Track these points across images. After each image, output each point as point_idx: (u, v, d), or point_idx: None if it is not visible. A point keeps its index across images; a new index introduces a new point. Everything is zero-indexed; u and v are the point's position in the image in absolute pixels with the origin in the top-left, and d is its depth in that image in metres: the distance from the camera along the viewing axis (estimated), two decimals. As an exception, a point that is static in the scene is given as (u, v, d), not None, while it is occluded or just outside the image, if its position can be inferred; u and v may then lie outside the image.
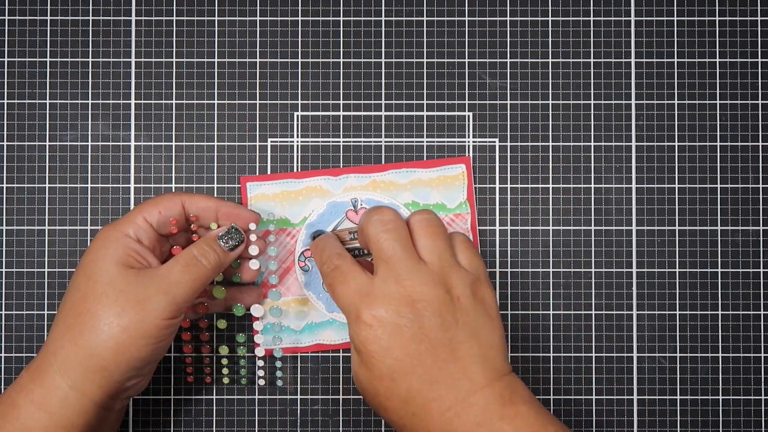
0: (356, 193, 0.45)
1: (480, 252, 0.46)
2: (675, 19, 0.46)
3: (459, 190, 0.45)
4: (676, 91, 0.46)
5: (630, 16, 0.46)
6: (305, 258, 0.45)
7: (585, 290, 0.46)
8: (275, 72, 0.46)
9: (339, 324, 0.45)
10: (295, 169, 0.46)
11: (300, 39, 0.46)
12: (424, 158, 0.46)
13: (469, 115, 0.46)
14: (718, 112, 0.46)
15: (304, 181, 0.45)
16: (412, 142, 0.46)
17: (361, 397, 0.45)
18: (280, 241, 0.45)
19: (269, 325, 0.45)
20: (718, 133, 0.46)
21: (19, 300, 0.45)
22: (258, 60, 0.46)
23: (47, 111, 0.46)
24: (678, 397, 0.45)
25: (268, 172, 0.46)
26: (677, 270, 0.46)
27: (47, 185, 0.45)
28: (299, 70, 0.46)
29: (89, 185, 0.45)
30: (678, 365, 0.46)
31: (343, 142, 0.46)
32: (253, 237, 0.41)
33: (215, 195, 0.46)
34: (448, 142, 0.46)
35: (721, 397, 0.45)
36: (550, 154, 0.46)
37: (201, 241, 0.40)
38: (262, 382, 0.45)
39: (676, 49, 0.46)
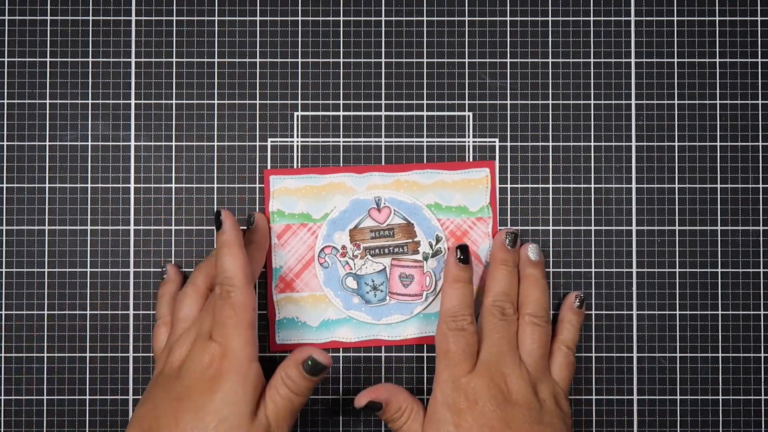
0: (380, 192, 0.45)
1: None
2: (675, 19, 0.46)
3: (482, 193, 0.45)
4: (676, 91, 0.46)
5: (630, 16, 0.46)
6: (325, 254, 0.45)
7: (585, 290, 0.46)
8: (275, 72, 0.46)
9: (356, 322, 0.45)
10: (295, 169, 0.46)
11: (300, 39, 0.46)
12: (424, 159, 0.46)
13: (469, 115, 0.46)
14: (718, 112, 0.46)
15: (328, 176, 0.45)
16: (412, 142, 0.46)
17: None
18: (301, 236, 0.45)
19: (286, 319, 0.45)
20: (718, 133, 0.46)
21: (19, 300, 0.45)
22: (258, 60, 0.46)
23: (47, 111, 0.46)
24: (678, 397, 0.45)
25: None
26: (677, 270, 0.46)
27: (47, 185, 0.45)
28: (299, 70, 0.46)
29: (89, 185, 0.45)
30: (678, 365, 0.46)
31: (343, 142, 0.46)
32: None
33: (215, 195, 0.46)
34: (448, 142, 0.46)
35: (721, 397, 0.45)
36: (550, 154, 0.46)
37: (282, 372, 0.39)
38: None
39: (676, 49, 0.46)
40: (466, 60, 0.46)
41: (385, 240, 0.45)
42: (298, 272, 0.45)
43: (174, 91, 0.46)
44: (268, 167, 0.46)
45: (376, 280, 0.45)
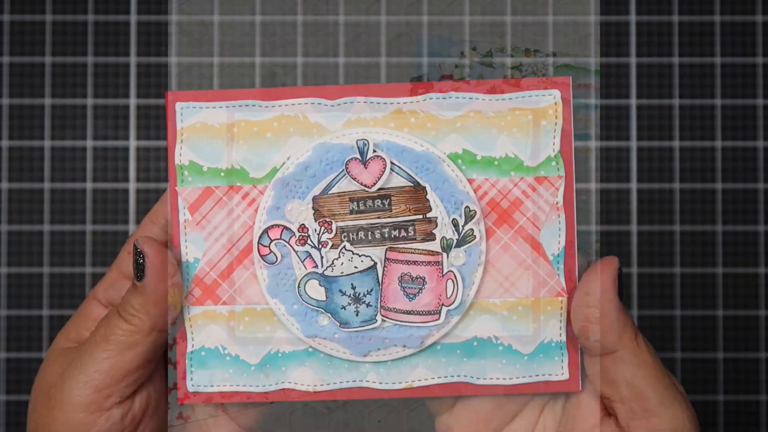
0: (367, 132, 0.27)
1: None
2: (675, 19, 0.46)
3: (546, 134, 0.28)
4: (676, 91, 0.46)
5: (630, 15, 0.46)
6: (271, 240, 0.27)
7: (585, 290, 0.46)
8: (275, 71, 0.46)
9: (323, 359, 0.28)
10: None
11: (299, 39, 0.46)
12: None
13: (469, 115, 0.46)
14: (718, 112, 0.46)
15: (278, 104, 0.27)
16: (412, 142, 0.46)
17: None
18: (230, 208, 0.28)
19: (205, 351, 0.28)
20: (719, 133, 0.46)
21: (19, 300, 0.45)
22: (257, 59, 0.46)
23: (47, 111, 0.46)
24: (678, 397, 0.45)
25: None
26: (678, 270, 0.46)
27: (47, 185, 0.45)
28: (299, 70, 0.46)
29: (89, 185, 0.45)
30: (678, 365, 0.46)
31: (343, 142, 0.46)
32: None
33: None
34: (448, 142, 0.46)
35: (721, 397, 0.45)
36: (551, 154, 0.46)
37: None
38: None
39: (676, 49, 0.46)
40: (467, 59, 0.46)
41: (375, 216, 0.28)
42: (226, 271, 0.28)
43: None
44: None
45: (359, 286, 0.28)
